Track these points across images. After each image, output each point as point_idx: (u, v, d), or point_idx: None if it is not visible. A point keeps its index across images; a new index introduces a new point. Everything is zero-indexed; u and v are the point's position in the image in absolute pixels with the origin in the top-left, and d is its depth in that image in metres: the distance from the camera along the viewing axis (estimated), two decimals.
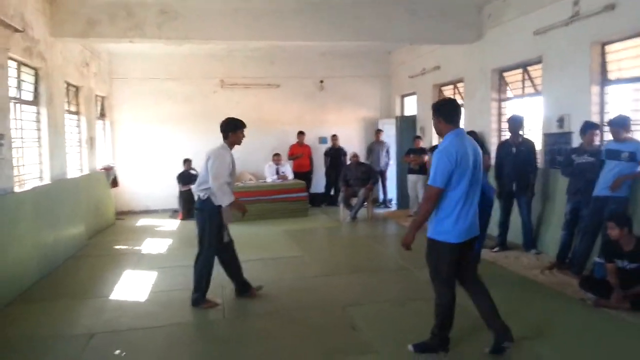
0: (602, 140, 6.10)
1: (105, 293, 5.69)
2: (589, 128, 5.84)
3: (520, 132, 7.00)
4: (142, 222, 10.55)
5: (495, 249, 7.01)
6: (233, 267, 5.41)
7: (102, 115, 11.05)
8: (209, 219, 5.02)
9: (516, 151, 6.86)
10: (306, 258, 7.11)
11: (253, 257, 7.12)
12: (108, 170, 10.48)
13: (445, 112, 3.65)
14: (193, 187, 5.15)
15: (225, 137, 5.14)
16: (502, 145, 7.13)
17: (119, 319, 4.86)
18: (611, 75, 6.04)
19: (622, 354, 3.89)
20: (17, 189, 6.13)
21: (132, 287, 5.90)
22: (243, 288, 5.42)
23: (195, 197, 5.18)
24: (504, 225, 7.07)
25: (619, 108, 5.93)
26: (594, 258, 5.45)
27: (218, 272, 5.41)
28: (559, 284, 5.49)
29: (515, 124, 6.92)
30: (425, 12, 8.12)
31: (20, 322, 4.86)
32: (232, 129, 5.11)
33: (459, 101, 9.54)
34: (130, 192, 11.58)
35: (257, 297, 5.38)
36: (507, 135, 8.06)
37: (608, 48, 6.02)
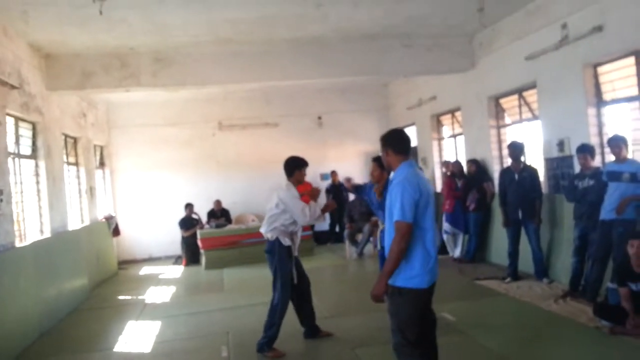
0: (603, 161, 6.05)
1: (109, 346, 5.56)
2: (578, 152, 5.83)
3: (522, 159, 6.94)
4: (145, 270, 10.42)
5: (507, 280, 6.84)
6: (305, 310, 5.23)
7: (102, 164, 11.09)
8: (279, 260, 4.89)
9: (519, 178, 6.79)
10: (314, 299, 6.93)
11: (258, 301, 6.94)
12: (109, 219, 10.43)
13: (393, 142, 3.29)
14: (261, 229, 5.03)
15: (289, 176, 5.17)
16: (505, 173, 7.06)
17: None
18: (606, 96, 6.03)
19: None
20: (17, 244, 6.08)
21: (136, 338, 5.76)
22: (312, 331, 5.24)
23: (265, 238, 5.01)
24: (514, 254, 6.92)
25: (618, 128, 5.90)
26: (607, 283, 5.30)
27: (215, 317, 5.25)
28: (573, 312, 5.32)
29: (516, 150, 6.87)
30: (418, 44, 8.21)
31: None
32: (298, 167, 5.16)
33: (457, 130, 9.64)
34: (132, 240, 11.49)
35: None
36: (508, 162, 8.06)
37: (600, 69, 6.02)
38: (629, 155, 5.35)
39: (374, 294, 3.11)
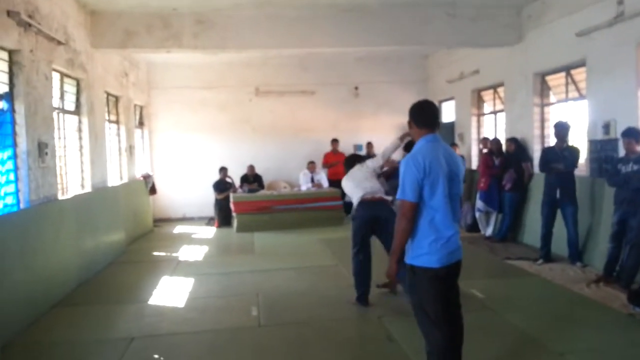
0: None
1: (144, 298, 5.77)
2: (623, 136, 5.65)
3: (567, 139, 6.74)
4: (179, 229, 10.69)
5: (539, 262, 6.75)
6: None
7: (141, 124, 11.30)
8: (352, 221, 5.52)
9: (561, 156, 6.62)
10: (340, 267, 7.02)
11: (287, 266, 7.13)
12: (146, 178, 10.68)
13: (415, 114, 3.19)
14: (372, 191, 5.27)
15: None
16: (548, 151, 6.86)
17: (158, 324, 4.94)
18: None
19: None
20: (60, 197, 6.31)
21: (170, 293, 5.95)
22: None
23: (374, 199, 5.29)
24: (548, 236, 6.80)
25: None
26: None
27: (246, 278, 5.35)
28: (606, 298, 5.23)
29: (562, 130, 6.67)
30: (464, 14, 7.98)
31: (63, 326, 4.99)
32: (358, 161, 5.70)
33: (499, 106, 9.41)
34: (168, 200, 11.76)
35: (290, 307, 5.33)
36: (550, 142, 7.86)
37: None
38: None
39: (387, 274, 3.17)
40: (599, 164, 6.60)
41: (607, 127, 6.34)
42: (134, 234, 9.33)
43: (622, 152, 5.88)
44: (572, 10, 6.84)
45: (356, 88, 12.33)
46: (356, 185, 5.35)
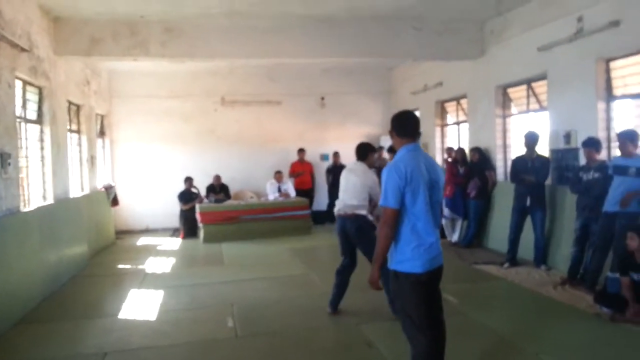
0: (609, 156, 6.14)
1: (113, 312, 5.60)
2: (584, 146, 5.93)
3: (535, 148, 6.99)
4: (143, 241, 10.44)
5: (505, 265, 6.98)
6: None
7: (102, 133, 11.00)
8: (369, 231, 5.09)
9: (531, 166, 6.86)
10: (312, 276, 7.04)
11: (259, 276, 7.08)
12: (108, 189, 10.40)
13: (397, 124, 3.25)
14: (345, 206, 5.18)
15: (363, 159, 5.31)
16: (518, 161, 7.10)
17: (130, 338, 4.81)
18: (617, 91, 6.09)
19: None
20: (22, 209, 6.07)
21: (140, 306, 5.80)
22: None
23: (344, 213, 5.18)
24: (515, 241, 7.04)
25: (625, 124, 5.98)
26: (606, 273, 5.42)
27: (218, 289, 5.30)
28: (573, 299, 5.46)
29: (531, 140, 6.93)
30: (430, 28, 8.20)
31: (30, 343, 4.78)
32: (371, 151, 5.40)
33: (462, 117, 9.69)
34: (130, 211, 11.46)
35: (266, 317, 5.30)
36: (512, 151, 8.16)
37: (613, 64, 6.07)
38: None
39: (369, 280, 3.21)
40: (560, 172, 6.89)
41: (568, 137, 6.63)
42: (97, 247, 9.04)
43: (583, 161, 6.16)
44: (533, 26, 7.15)
45: (322, 99, 12.43)
46: (344, 190, 5.27)
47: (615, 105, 6.16)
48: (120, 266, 8.14)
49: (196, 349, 4.53)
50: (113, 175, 11.41)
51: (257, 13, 7.41)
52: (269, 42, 7.88)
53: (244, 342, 4.66)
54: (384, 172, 3.10)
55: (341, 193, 5.29)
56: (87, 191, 9.14)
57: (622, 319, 4.63)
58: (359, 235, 5.10)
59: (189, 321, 5.25)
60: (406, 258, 3.07)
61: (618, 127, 6.05)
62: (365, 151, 5.32)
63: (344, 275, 5.33)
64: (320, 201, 12.02)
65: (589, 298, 5.29)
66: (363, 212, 5.10)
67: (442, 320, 3.26)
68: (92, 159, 9.54)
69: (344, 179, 5.31)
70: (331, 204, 11.85)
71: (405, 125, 3.26)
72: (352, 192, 5.15)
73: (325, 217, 11.81)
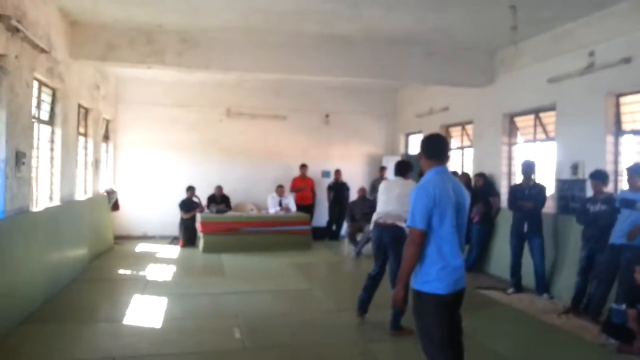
0: (615, 189, 6.26)
1: (118, 317, 5.58)
2: (592, 178, 6.05)
3: (532, 177, 7.12)
4: (141, 247, 10.37)
5: (510, 291, 7.04)
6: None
7: (106, 138, 11.00)
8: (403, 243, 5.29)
9: (528, 193, 6.98)
10: (316, 292, 7.05)
11: (262, 289, 7.08)
12: (110, 193, 10.38)
13: (427, 147, 3.34)
14: (385, 216, 5.38)
15: (404, 175, 5.57)
16: (515, 188, 7.24)
17: (137, 344, 4.79)
18: (625, 126, 6.24)
19: None
20: (31, 209, 6.05)
21: (144, 313, 5.77)
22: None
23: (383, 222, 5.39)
24: (517, 266, 7.11)
25: (633, 158, 6.11)
26: (611, 304, 5.49)
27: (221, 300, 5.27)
28: (577, 329, 5.51)
29: (528, 168, 7.08)
30: (440, 54, 8.36)
31: (35, 344, 4.74)
32: (410, 169, 5.63)
33: (466, 142, 9.81)
34: (129, 217, 11.40)
35: (273, 330, 5.30)
36: (516, 178, 8.26)
37: (623, 99, 6.23)
38: None
39: (394, 298, 3.26)
40: (565, 202, 6.99)
41: (575, 168, 6.76)
42: (96, 251, 8.97)
43: (589, 192, 6.26)
44: (545, 57, 7.31)
45: (327, 116, 12.53)
46: (385, 201, 5.43)
47: (624, 139, 6.30)
48: (120, 271, 8.09)
49: (205, 359, 4.51)
50: (115, 179, 11.38)
51: (273, 29, 7.53)
52: (282, 58, 7.99)
53: (253, 354, 4.66)
54: (413, 193, 3.17)
55: (381, 205, 5.45)
56: (89, 194, 9.12)
57: (629, 350, 4.68)
58: (394, 244, 5.23)
59: (195, 330, 5.23)
60: (431, 279, 3.11)
61: (625, 161, 6.18)
62: (406, 168, 5.59)
63: (375, 280, 5.52)
64: (320, 217, 12.05)
65: (593, 328, 5.35)
66: (402, 224, 5.19)
67: (461, 342, 3.29)
68: (96, 163, 9.54)
69: (386, 190, 5.51)
70: (331, 221, 11.94)
71: (435, 148, 3.33)
72: (394, 203, 5.33)
73: (325, 233, 11.85)
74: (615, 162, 6.30)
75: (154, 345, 4.80)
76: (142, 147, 11.60)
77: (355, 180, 12.02)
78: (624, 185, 6.01)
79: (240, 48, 7.86)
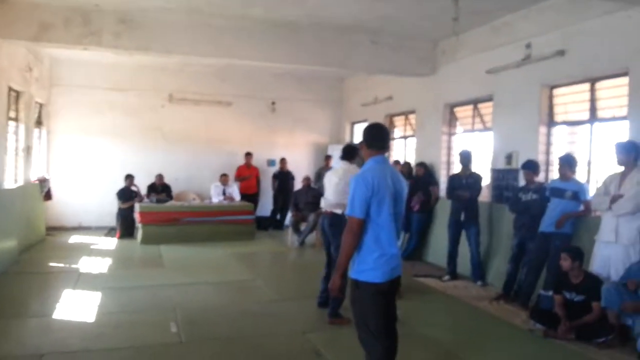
0: (547, 178, 6.51)
1: (48, 312, 5.31)
2: (523, 168, 6.29)
3: (469, 166, 7.30)
4: (76, 239, 9.93)
5: (445, 278, 7.22)
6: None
7: (39, 123, 10.42)
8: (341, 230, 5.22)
9: (465, 183, 7.16)
10: (258, 282, 6.98)
11: (202, 280, 6.94)
12: (42, 182, 9.85)
13: (367, 136, 3.34)
14: (325, 205, 5.45)
15: (351, 159, 5.50)
16: (453, 178, 7.41)
17: (68, 340, 4.57)
18: (557, 117, 6.48)
19: None
20: None
21: (76, 307, 5.52)
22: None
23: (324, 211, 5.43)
24: (454, 254, 7.29)
25: (563, 149, 6.36)
26: (540, 291, 5.73)
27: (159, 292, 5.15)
28: (508, 314, 5.70)
29: (466, 158, 7.25)
30: (385, 42, 8.39)
31: None
32: (357, 154, 5.50)
33: (409, 132, 9.95)
34: (63, 207, 10.86)
35: (212, 322, 5.20)
36: (456, 168, 8.45)
37: (556, 91, 6.46)
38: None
39: (331, 287, 3.24)
40: (499, 191, 7.22)
41: (509, 158, 6.97)
42: (26, 243, 8.51)
43: (522, 182, 6.49)
44: (484, 49, 7.47)
45: (273, 103, 12.36)
46: (327, 189, 5.52)
47: (556, 130, 6.54)
48: (52, 264, 7.72)
49: (139, 354, 4.37)
50: (48, 167, 10.82)
51: (216, 12, 7.33)
52: (226, 42, 7.77)
53: (190, 347, 4.54)
54: (352, 182, 3.16)
55: (325, 193, 5.55)
56: (20, 183, 8.63)
57: (554, 335, 4.88)
58: (332, 232, 5.28)
59: (129, 325, 5.05)
60: (368, 267, 3.13)
61: (557, 151, 6.43)
62: (352, 153, 5.50)
63: (329, 269, 5.48)
64: (265, 207, 11.94)
65: (522, 313, 5.56)
66: (339, 211, 5.20)
67: (395, 330, 3.33)
68: (28, 149, 9.03)
69: (328, 178, 5.54)
70: (275, 210, 11.86)
71: (376, 137, 3.35)
72: (333, 191, 5.38)
73: (269, 223, 11.76)
74: (547, 153, 6.55)
75: (85, 340, 4.60)
76: (78, 133, 11.06)
77: (301, 169, 11.97)
78: (555, 174, 6.25)
79: (182, 30, 7.58)
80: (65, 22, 7.11)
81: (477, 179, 7.20)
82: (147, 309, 5.61)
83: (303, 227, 9.95)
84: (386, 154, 3.37)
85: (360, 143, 3.39)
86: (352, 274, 3.19)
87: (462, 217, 7.14)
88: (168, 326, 5.01)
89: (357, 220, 3.09)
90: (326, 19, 7.51)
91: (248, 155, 11.67)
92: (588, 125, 6.04)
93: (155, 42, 7.49)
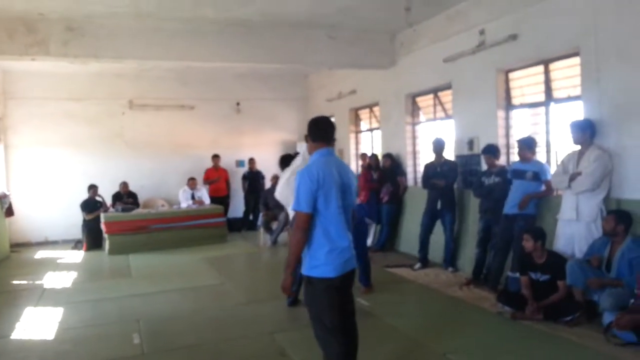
0: (508, 161, 6.54)
1: (5, 333, 5.11)
2: (483, 152, 6.34)
3: (443, 154, 7.29)
4: (41, 254, 9.67)
5: (417, 266, 7.22)
6: None
7: None
8: None
9: (440, 171, 7.15)
10: (227, 286, 6.87)
11: (170, 288, 6.80)
12: (2, 198, 9.55)
13: (312, 129, 3.28)
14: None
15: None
16: (429, 166, 7.38)
17: None
18: (515, 101, 6.51)
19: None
20: None
21: (36, 325, 5.34)
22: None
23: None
24: (426, 242, 7.30)
25: (522, 131, 6.40)
26: (507, 273, 5.75)
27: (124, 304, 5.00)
28: (477, 298, 5.72)
29: (439, 146, 7.24)
30: (343, 36, 8.33)
31: None
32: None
33: (375, 124, 9.93)
34: (27, 222, 10.59)
35: (177, 331, 5.07)
36: (421, 157, 8.47)
37: (512, 75, 6.49)
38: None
39: (282, 286, 3.19)
40: (464, 177, 7.24)
41: (471, 144, 7.00)
42: None
43: (484, 167, 6.50)
44: (440, 38, 7.48)
45: (238, 104, 12.23)
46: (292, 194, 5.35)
47: (514, 113, 6.57)
48: (15, 282, 7.47)
49: None
50: (8, 182, 10.50)
51: (166, 15, 7.17)
52: (179, 45, 7.62)
53: (152, 359, 4.41)
54: (297, 177, 3.09)
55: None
56: None
57: (522, 317, 4.90)
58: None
59: (91, 339, 4.90)
60: (320, 263, 3.07)
61: (516, 134, 6.46)
62: (287, 161, 5.55)
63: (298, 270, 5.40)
64: (236, 208, 11.82)
65: (492, 297, 5.57)
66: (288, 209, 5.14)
67: (354, 324, 3.28)
68: None
69: (289, 185, 5.39)
70: (247, 211, 11.73)
71: (320, 131, 3.28)
72: (281, 189, 5.21)
73: (242, 224, 11.64)
74: (507, 136, 6.58)
75: (44, 359, 4.45)
76: (37, 145, 10.78)
77: (271, 168, 11.76)
78: (515, 157, 6.28)
79: (132, 35, 7.40)
80: (8, 33, 6.88)
81: (452, 166, 7.19)
82: (111, 322, 5.44)
83: (274, 225, 9.86)
84: (332, 147, 3.30)
85: (306, 137, 3.32)
86: (304, 270, 3.14)
87: (439, 205, 7.13)
88: (131, 338, 4.86)
89: (304, 215, 3.02)
90: (280, 15, 7.41)
91: (215, 157, 11.52)
92: (544, 106, 6.07)
93: (106, 49, 7.29)
